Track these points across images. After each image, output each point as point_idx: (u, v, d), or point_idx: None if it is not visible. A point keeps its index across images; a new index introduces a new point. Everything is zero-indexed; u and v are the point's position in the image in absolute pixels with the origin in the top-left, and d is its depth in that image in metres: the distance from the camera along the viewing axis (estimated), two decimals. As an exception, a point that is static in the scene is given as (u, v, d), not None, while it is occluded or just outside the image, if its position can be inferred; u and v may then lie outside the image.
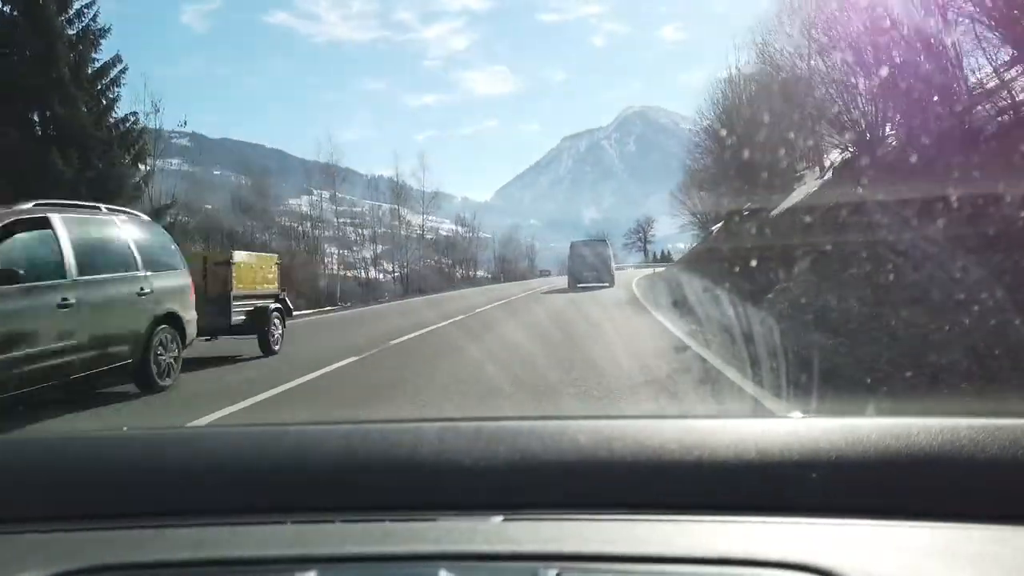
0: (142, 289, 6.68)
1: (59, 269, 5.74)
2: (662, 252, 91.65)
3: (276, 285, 10.49)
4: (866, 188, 11.08)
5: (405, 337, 10.77)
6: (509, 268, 68.99)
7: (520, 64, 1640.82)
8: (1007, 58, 9.83)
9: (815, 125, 16.55)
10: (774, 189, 18.52)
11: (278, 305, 9.96)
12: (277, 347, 9.68)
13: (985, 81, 10.45)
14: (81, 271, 5.93)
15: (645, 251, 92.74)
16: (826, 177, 17.74)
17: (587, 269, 25.49)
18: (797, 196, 18.37)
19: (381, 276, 47.57)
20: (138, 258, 6.75)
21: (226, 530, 0.77)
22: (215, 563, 0.71)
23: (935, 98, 10.15)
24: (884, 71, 11.56)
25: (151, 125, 22.88)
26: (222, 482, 0.86)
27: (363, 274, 43.33)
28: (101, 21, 19.14)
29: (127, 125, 20.11)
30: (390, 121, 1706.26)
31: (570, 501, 0.79)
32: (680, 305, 13.22)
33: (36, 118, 18.36)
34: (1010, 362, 4.51)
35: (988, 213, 7.02)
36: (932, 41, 10.14)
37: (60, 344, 5.61)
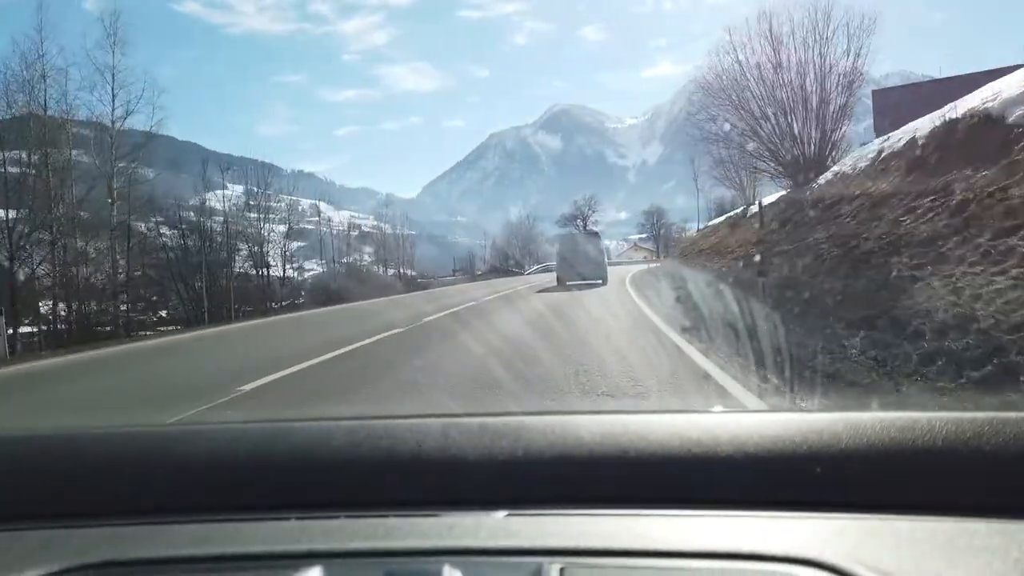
0: None
1: None
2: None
3: None
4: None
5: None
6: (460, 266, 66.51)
7: (443, 60, 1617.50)
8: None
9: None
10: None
11: None
12: None
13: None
14: None
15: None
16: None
17: (577, 265, 22.11)
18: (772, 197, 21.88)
19: (298, 276, 44.70)
20: None
21: (231, 526, 0.78)
22: (220, 559, 0.72)
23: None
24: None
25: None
26: (227, 478, 0.86)
27: (274, 274, 40.26)
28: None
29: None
30: (310, 115, 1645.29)
31: (574, 496, 0.79)
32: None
33: None
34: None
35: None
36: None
37: None
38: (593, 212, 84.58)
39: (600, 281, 21.39)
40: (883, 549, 0.67)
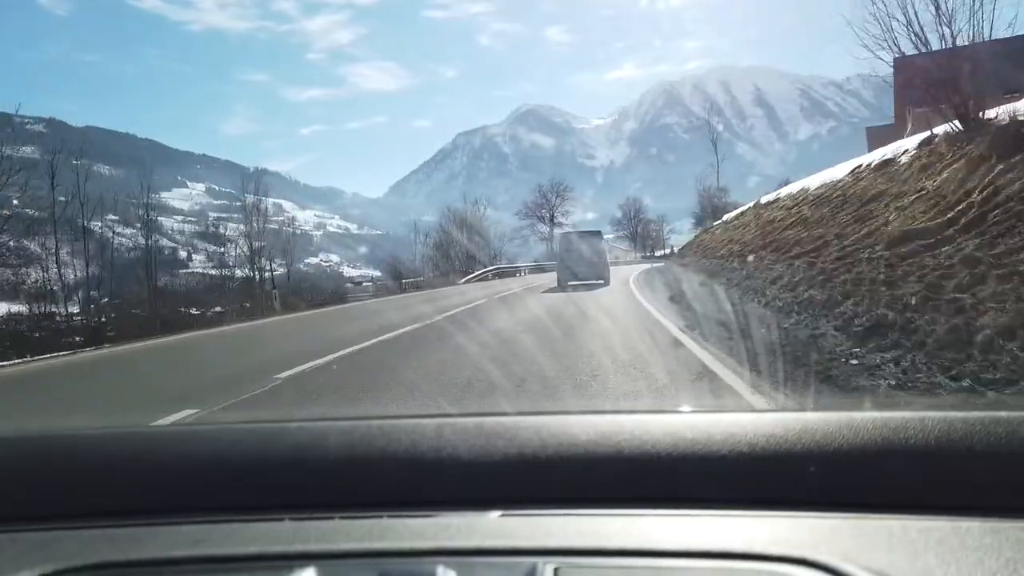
0: None
1: None
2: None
3: None
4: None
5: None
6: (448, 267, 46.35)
7: (409, 60, 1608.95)
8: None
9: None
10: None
11: None
12: None
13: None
14: None
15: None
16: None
17: (579, 265, 20.97)
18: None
19: (257, 277, 43.63)
20: None
21: (225, 527, 0.79)
22: (215, 560, 0.72)
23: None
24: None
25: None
26: (221, 479, 0.86)
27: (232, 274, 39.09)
28: None
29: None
30: (274, 114, 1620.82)
31: (568, 496, 0.79)
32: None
33: None
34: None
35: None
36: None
37: None
38: (562, 200, 70.09)
39: (602, 282, 20.30)
40: (876, 548, 0.67)
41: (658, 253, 67.19)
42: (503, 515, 0.76)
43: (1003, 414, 0.81)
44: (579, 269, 20.94)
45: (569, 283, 20.17)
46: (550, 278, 23.52)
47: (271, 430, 1.01)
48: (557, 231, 61.50)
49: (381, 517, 0.77)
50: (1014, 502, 0.72)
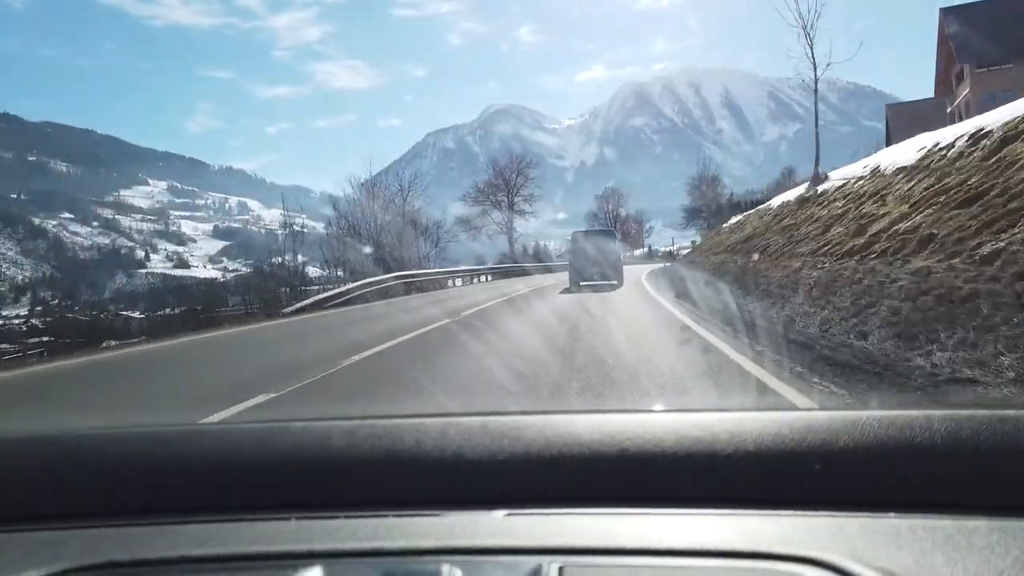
0: None
1: None
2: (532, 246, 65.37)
3: None
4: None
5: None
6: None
7: (378, 59, 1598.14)
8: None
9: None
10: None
11: None
12: None
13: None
14: None
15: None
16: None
17: (591, 264, 20.18)
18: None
19: (220, 276, 42.26)
20: None
21: (231, 526, 0.78)
22: (221, 559, 0.72)
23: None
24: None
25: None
26: (227, 479, 0.86)
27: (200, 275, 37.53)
28: None
29: None
30: (239, 112, 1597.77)
31: (573, 495, 0.79)
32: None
33: None
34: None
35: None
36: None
37: None
38: (525, 180, 54.76)
39: (615, 283, 19.75)
40: (882, 547, 0.66)
41: (663, 250, 62.39)
42: (508, 514, 0.76)
43: (1010, 412, 0.80)
44: (591, 270, 20.18)
45: (580, 283, 19.72)
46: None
47: (275, 429, 0.98)
48: (528, 226, 54.32)
49: (386, 516, 0.76)
50: (1021, 501, 0.72)
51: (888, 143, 35.93)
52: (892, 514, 0.72)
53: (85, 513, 0.82)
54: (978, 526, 0.69)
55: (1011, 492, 0.73)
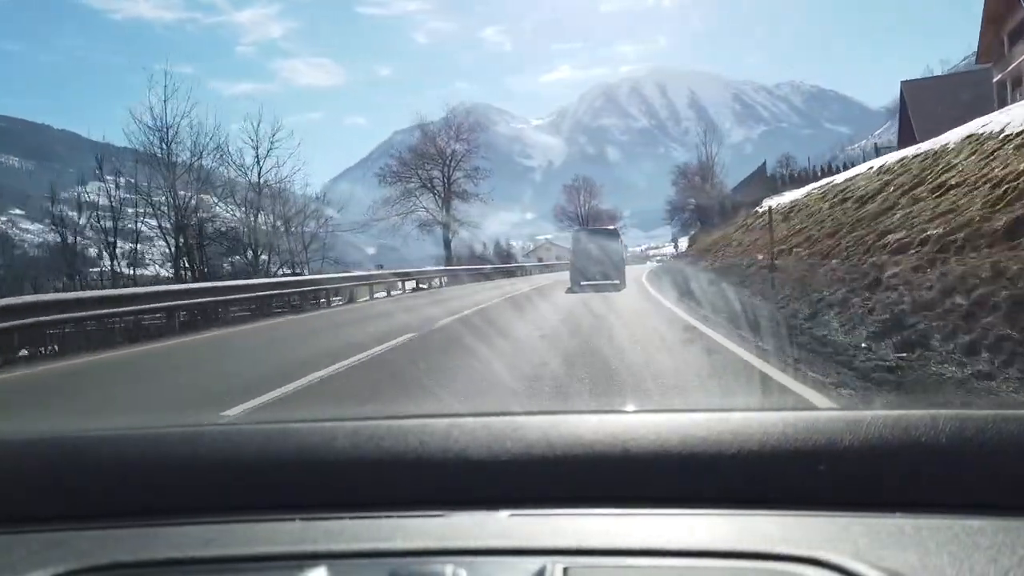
0: None
1: None
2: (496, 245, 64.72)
3: None
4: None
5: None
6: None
7: (343, 56, 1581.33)
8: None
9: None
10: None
11: None
12: None
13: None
14: None
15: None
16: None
17: (593, 264, 19.85)
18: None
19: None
20: None
21: (236, 527, 0.78)
22: (225, 560, 0.72)
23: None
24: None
25: None
26: (231, 479, 0.86)
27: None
28: None
29: None
30: (202, 107, 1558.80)
31: (577, 496, 0.79)
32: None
33: None
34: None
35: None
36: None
37: None
38: (470, 150, 42.86)
39: (617, 283, 19.14)
40: (887, 547, 0.66)
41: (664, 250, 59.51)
42: (512, 515, 0.76)
43: (1015, 412, 0.80)
44: (593, 269, 19.90)
45: (582, 283, 19.37)
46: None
47: (280, 430, 0.98)
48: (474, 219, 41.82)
49: (391, 517, 0.77)
50: None
51: (901, 124, 32.51)
52: (897, 514, 0.71)
53: (90, 514, 0.82)
54: (984, 526, 0.68)
55: (1017, 492, 0.72)
